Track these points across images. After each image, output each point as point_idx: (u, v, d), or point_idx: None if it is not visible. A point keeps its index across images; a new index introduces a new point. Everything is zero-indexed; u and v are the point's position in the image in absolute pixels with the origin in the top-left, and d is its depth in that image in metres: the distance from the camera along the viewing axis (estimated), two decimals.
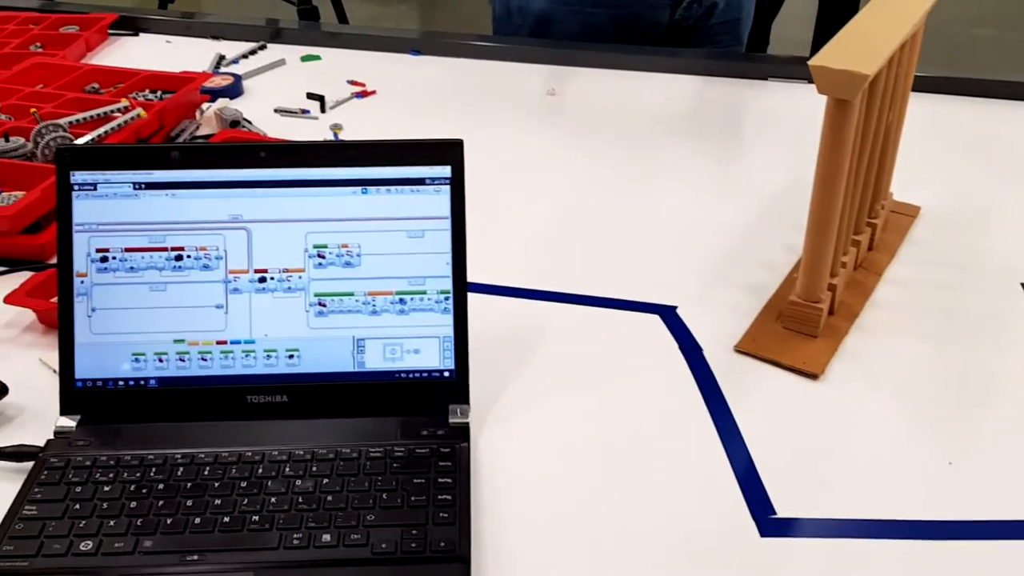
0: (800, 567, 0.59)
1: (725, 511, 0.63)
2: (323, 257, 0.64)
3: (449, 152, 0.62)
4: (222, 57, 1.29)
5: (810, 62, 0.63)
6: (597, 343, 0.78)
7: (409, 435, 0.65)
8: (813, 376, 0.73)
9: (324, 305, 0.65)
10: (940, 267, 0.87)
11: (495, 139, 1.08)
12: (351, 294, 0.65)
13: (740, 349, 0.76)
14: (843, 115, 0.65)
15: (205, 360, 0.66)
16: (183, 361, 0.66)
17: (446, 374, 0.67)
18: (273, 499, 0.60)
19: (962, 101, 1.15)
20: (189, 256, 0.64)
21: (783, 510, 0.62)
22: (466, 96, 1.21)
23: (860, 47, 0.64)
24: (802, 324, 0.77)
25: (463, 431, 0.66)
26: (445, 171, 0.62)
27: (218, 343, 0.65)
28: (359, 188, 0.62)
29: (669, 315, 0.81)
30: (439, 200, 0.63)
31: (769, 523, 0.62)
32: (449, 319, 0.66)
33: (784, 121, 1.12)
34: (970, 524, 0.61)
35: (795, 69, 1.19)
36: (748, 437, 0.68)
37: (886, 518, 0.62)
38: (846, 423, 0.70)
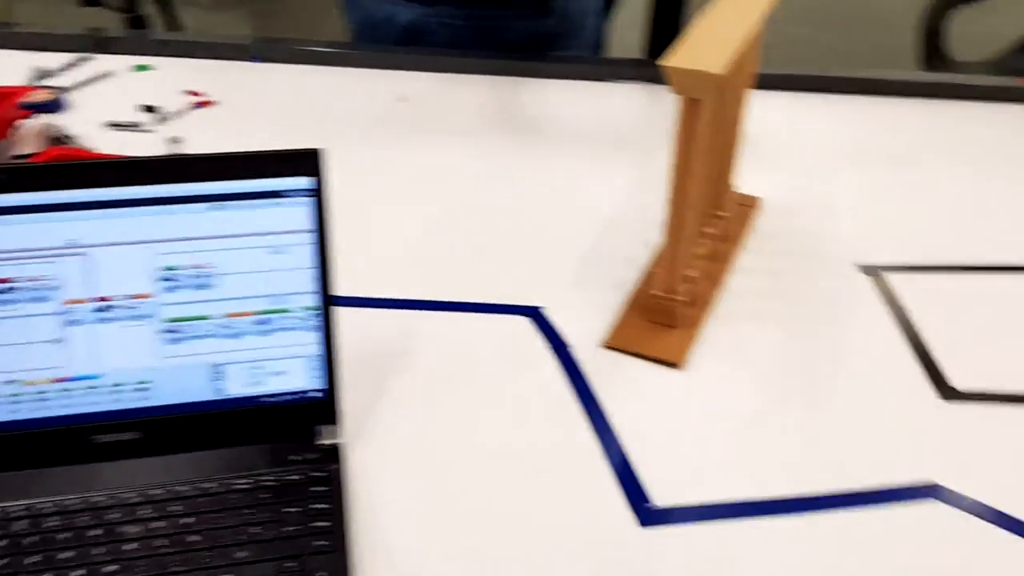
0: (680, 553, 0.60)
1: (604, 506, 0.63)
2: (174, 280, 0.60)
3: (308, 162, 0.59)
4: (43, 70, 1.19)
5: (664, 63, 0.65)
6: (467, 349, 0.77)
7: (278, 462, 0.62)
8: (675, 366, 0.76)
9: (177, 331, 0.61)
10: (785, 255, 0.91)
11: (347, 148, 1.04)
12: (207, 317, 0.61)
13: (608, 345, 0.77)
14: (695, 114, 0.67)
15: (42, 400, 0.60)
16: (16, 404, 0.60)
17: (315, 394, 0.64)
18: (130, 546, 0.55)
19: (805, 97, 1.21)
20: (18, 288, 0.58)
21: (660, 499, 0.64)
22: (315, 105, 1.17)
23: (709, 47, 0.67)
24: (663, 316, 0.79)
25: (335, 453, 0.63)
26: (305, 182, 0.59)
27: (56, 381, 0.60)
28: (211, 204, 0.58)
29: (536, 316, 0.81)
30: (300, 213, 0.60)
31: (647, 513, 0.63)
32: (316, 336, 0.63)
33: (631, 122, 1.15)
34: (833, 496, 0.65)
35: (637, 71, 1.22)
36: (620, 431, 0.69)
37: (756, 498, 0.64)
38: (710, 409, 0.72)
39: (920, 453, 0.69)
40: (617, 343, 0.77)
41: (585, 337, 0.78)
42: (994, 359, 0.78)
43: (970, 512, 0.64)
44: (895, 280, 0.87)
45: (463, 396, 0.72)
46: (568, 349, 0.77)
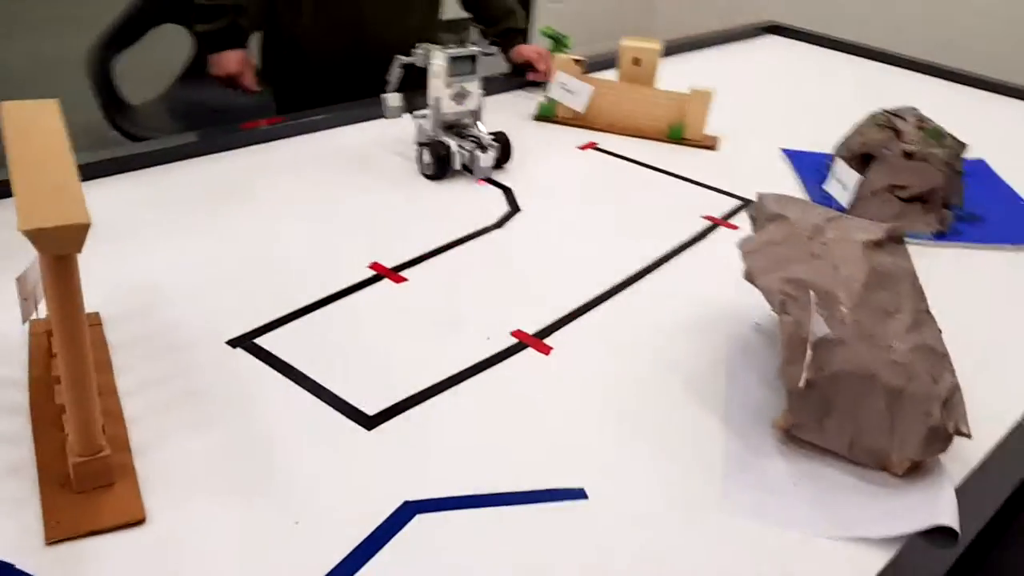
0: None
1: None
2: None
3: None
4: None
5: (23, 228, 0.57)
6: None
7: None
8: (140, 522, 0.70)
9: None
10: (151, 358, 0.89)
11: None
12: None
13: (53, 540, 0.67)
14: (69, 268, 0.61)
15: None
16: None
17: None
18: None
19: None
20: None
21: None
22: None
23: (57, 197, 0.61)
24: (98, 479, 0.71)
25: None
26: None
27: None
28: None
29: None
30: None
31: None
32: None
33: None
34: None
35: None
36: None
37: None
38: (188, 550, 0.69)
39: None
40: (63, 532, 0.67)
41: (17, 546, 0.66)
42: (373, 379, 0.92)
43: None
44: (261, 342, 0.94)
45: None
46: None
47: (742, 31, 2.33)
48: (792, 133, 1.66)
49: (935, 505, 0.78)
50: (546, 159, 1.46)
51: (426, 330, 0.99)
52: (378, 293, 1.05)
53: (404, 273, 1.09)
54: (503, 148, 1.37)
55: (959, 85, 2.08)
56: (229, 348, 0.92)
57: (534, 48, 1.74)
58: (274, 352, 0.92)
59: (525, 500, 0.77)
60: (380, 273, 1.09)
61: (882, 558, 0.74)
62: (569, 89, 1.60)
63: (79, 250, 0.61)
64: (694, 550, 0.73)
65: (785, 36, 2.37)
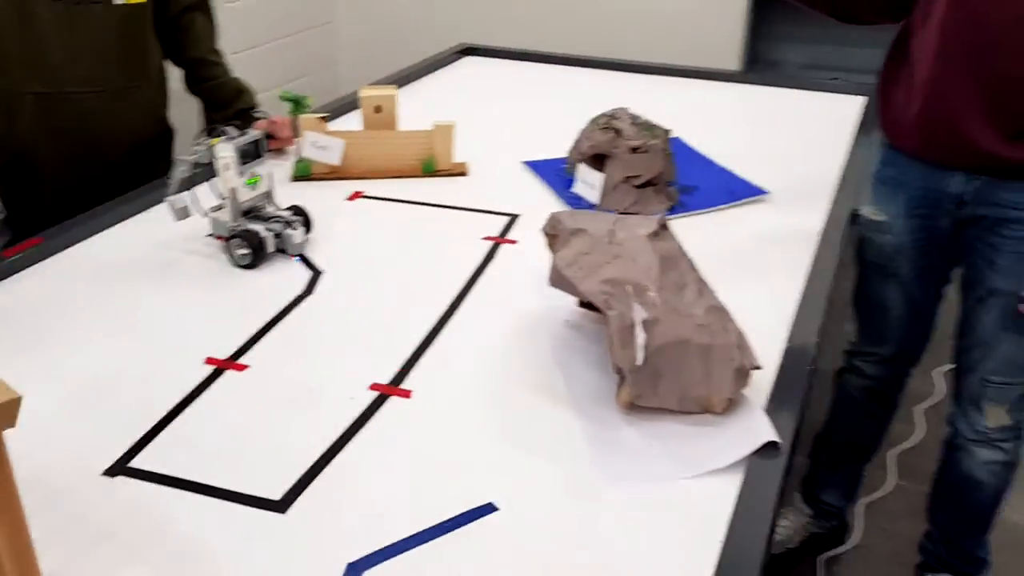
0: None
1: None
2: None
3: None
4: None
5: None
6: None
7: None
8: None
9: None
10: None
11: None
12: None
13: None
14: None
15: None
16: None
17: None
18: None
19: None
20: None
21: None
22: None
23: None
24: None
25: None
26: None
27: None
28: None
29: None
30: None
31: None
32: None
33: None
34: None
35: None
36: None
37: None
38: None
39: None
40: None
41: None
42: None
43: None
44: (138, 463, 0.94)
45: None
46: None
47: (442, 59, 2.51)
48: (525, 145, 1.86)
49: (756, 428, 0.98)
50: (324, 216, 1.53)
51: (290, 405, 1.04)
52: (226, 385, 1.08)
53: (243, 360, 1.13)
54: (306, 219, 1.41)
55: (639, 75, 2.41)
56: (108, 479, 0.91)
57: (267, 121, 1.78)
58: (156, 470, 0.93)
59: (449, 527, 0.86)
60: (219, 367, 1.11)
61: (735, 482, 0.92)
62: (321, 146, 1.67)
63: (13, 423, 0.61)
64: (603, 526, 0.87)
65: (480, 55, 2.59)
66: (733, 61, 3.16)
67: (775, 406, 1.03)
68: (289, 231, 1.36)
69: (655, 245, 1.07)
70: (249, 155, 1.30)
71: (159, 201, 1.41)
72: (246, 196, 1.34)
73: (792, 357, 1.13)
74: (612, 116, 1.64)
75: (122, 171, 1.69)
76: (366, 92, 1.71)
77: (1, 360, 1.11)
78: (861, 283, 1.65)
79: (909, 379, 1.74)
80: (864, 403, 1.74)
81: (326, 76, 3.69)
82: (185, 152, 1.34)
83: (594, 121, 1.66)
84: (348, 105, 2.02)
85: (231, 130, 1.30)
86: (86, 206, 1.52)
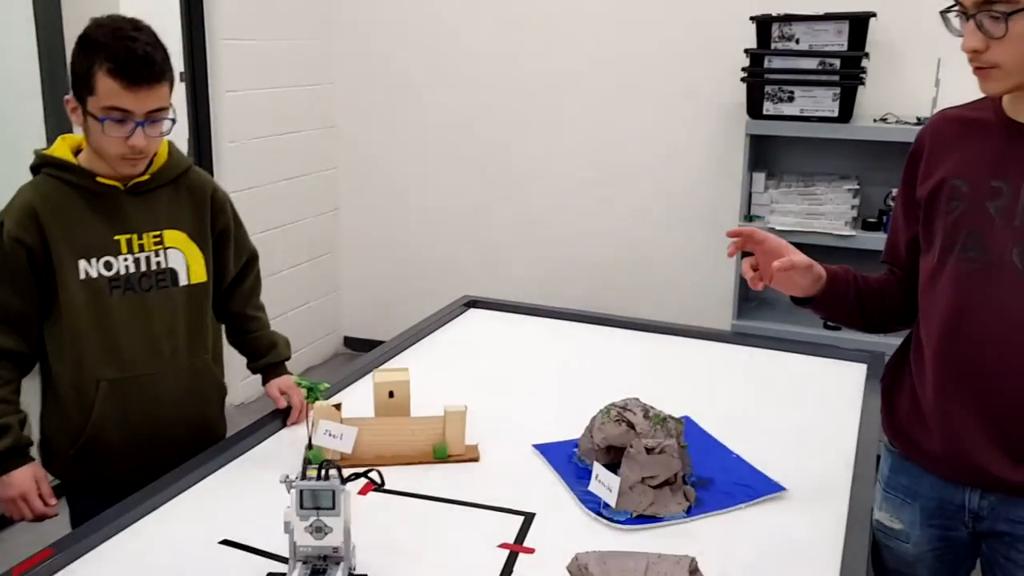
0: None
1: None
2: None
3: None
4: None
5: None
6: None
7: None
8: None
9: None
10: None
11: None
12: None
13: None
14: None
15: None
16: None
17: None
18: None
19: None
20: None
21: None
22: None
23: None
24: None
25: None
26: None
27: None
28: None
29: None
30: None
31: None
32: None
33: None
34: None
35: None
36: None
37: None
38: None
39: None
40: None
41: None
42: None
43: None
44: None
45: None
46: None
47: (448, 312, 2.57)
48: (534, 420, 1.86)
49: None
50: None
51: None
52: None
53: None
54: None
55: (636, 331, 2.46)
56: None
57: (284, 396, 1.82)
58: None
59: None
60: None
61: None
62: (334, 435, 1.67)
63: None
64: None
65: (482, 308, 2.65)
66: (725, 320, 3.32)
67: None
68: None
69: None
70: (322, 503, 1.23)
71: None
72: (304, 540, 1.25)
73: None
74: (624, 407, 1.65)
75: (185, 439, 1.74)
76: (380, 377, 1.73)
77: None
78: None
79: None
80: None
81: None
82: None
83: (606, 413, 1.67)
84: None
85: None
86: (150, 477, 1.54)
